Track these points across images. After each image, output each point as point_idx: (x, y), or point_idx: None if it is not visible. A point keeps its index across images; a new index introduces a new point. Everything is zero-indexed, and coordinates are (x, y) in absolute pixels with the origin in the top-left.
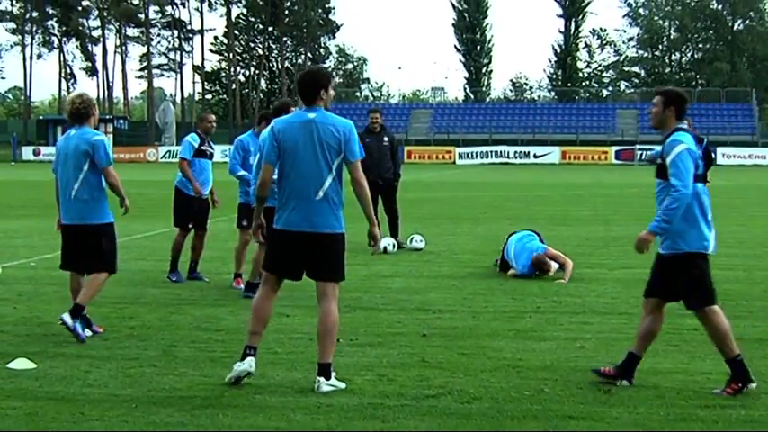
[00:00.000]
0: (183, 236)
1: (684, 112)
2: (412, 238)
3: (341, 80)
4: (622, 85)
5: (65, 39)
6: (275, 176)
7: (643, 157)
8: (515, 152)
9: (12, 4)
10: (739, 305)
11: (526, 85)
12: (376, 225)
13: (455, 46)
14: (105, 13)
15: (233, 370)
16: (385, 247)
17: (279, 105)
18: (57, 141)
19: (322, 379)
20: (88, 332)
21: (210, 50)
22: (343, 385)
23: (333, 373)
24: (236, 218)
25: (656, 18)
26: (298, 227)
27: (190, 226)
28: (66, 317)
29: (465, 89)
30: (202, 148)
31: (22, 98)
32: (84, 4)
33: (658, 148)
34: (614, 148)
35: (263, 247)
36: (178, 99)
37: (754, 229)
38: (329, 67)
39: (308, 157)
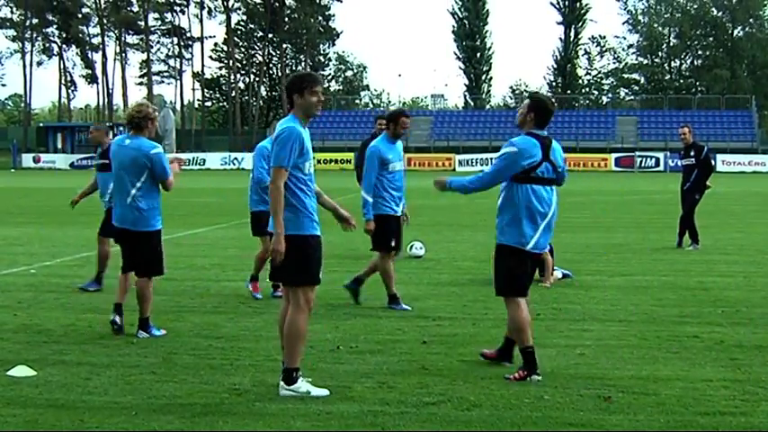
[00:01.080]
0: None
1: (546, 121)
2: (412, 246)
3: (341, 87)
4: (622, 92)
5: (65, 46)
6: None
7: None
8: None
9: (12, 12)
10: (739, 312)
11: (526, 92)
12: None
13: (455, 53)
14: (105, 21)
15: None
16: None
17: (394, 112)
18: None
19: (282, 383)
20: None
21: (210, 57)
22: (305, 389)
23: (301, 378)
24: (251, 227)
25: (655, 25)
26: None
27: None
28: (141, 333)
29: (465, 96)
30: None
31: (22, 105)
32: (84, 11)
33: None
34: (614, 155)
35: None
36: (178, 106)
37: (754, 235)
38: (329, 74)
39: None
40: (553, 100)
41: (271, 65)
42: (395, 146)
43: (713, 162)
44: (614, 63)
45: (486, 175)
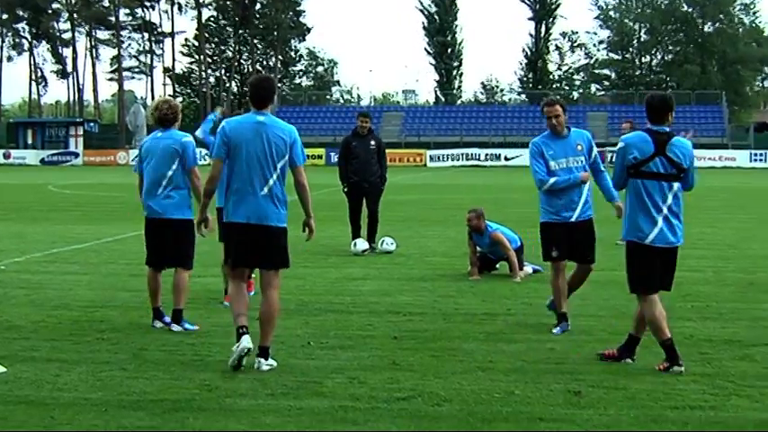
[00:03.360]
0: None
1: (658, 116)
2: (383, 241)
3: (311, 83)
4: (593, 87)
5: (35, 41)
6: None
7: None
8: (486, 154)
9: None
10: (709, 306)
11: (497, 87)
12: (313, 218)
13: (425, 49)
14: (76, 16)
15: (233, 353)
16: (364, 249)
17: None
18: (143, 142)
19: (262, 360)
20: (158, 323)
21: (181, 53)
22: (274, 363)
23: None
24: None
25: (626, 20)
26: (246, 219)
27: None
28: (174, 326)
29: (436, 92)
30: None
31: None
32: (54, 6)
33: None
34: None
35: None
36: (149, 102)
37: (724, 230)
38: (299, 70)
39: (256, 155)
40: (669, 95)
41: (241, 60)
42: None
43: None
44: (585, 59)
45: (612, 176)
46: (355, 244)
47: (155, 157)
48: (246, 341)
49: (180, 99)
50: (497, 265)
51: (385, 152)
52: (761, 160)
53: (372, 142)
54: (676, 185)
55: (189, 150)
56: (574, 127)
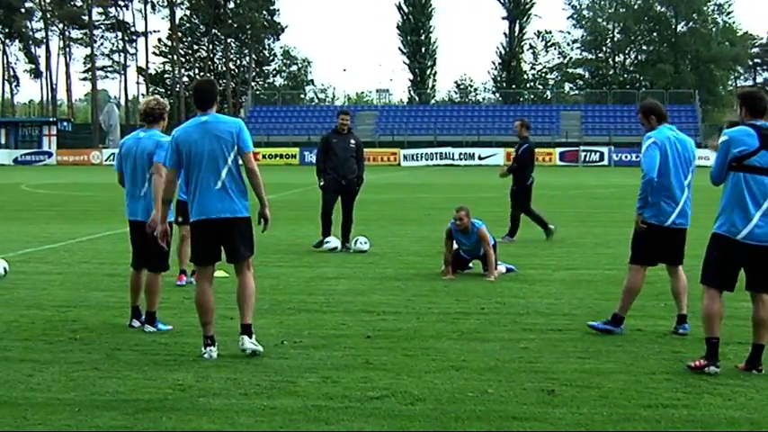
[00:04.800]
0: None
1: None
2: (356, 240)
3: (286, 82)
4: (566, 86)
5: (8, 41)
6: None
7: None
8: (460, 154)
9: None
10: None
11: (471, 86)
12: (267, 207)
13: (400, 48)
14: (49, 15)
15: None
16: (335, 247)
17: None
18: (123, 141)
19: (245, 337)
20: (136, 323)
21: (154, 53)
22: (261, 348)
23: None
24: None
25: (600, 20)
26: (205, 215)
27: None
28: (148, 327)
29: (410, 91)
30: None
31: None
32: (27, 5)
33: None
34: (558, 150)
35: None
36: (122, 101)
37: (698, 229)
38: (274, 69)
39: (206, 153)
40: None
41: (215, 59)
42: None
43: (530, 158)
44: (559, 58)
45: (712, 170)
46: (329, 241)
47: (134, 160)
48: (212, 353)
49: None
50: (470, 264)
51: (363, 151)
52: None
53: (352, 141)
54: None
55: (162, 149)
56: (548, 126)
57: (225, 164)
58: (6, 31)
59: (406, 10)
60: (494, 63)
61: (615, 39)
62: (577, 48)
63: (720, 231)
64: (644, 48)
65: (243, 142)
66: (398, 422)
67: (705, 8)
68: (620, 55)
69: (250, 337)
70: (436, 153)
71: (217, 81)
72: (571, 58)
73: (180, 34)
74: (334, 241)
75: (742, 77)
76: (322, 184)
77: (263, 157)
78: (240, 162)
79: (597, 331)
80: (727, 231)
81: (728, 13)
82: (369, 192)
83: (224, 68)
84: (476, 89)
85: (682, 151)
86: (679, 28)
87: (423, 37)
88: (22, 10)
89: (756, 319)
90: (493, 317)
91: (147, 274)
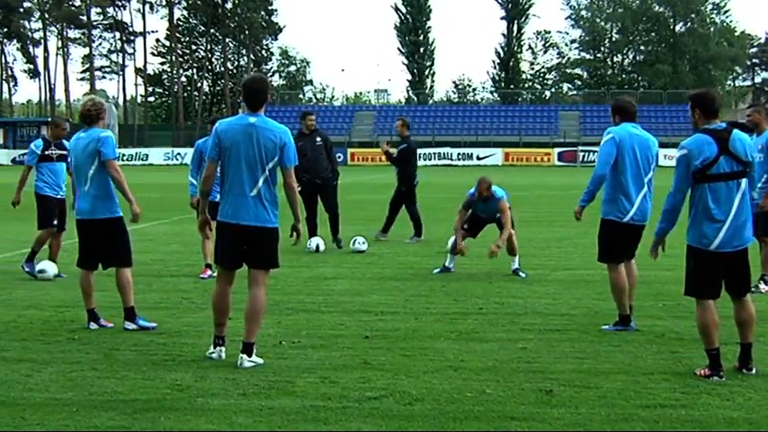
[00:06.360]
0: (48, 233)
1: (713, 110)
2: (354, 240)
3: (284, 82)
4: (565, 86)
5: (6, 40)
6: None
7: None
8: (458, 154)
9: None
10: (680, 305)
11: (469, 86)
12: (300, 222)
13: (398, 48)
14: (47, 15)
15: (209, 353)
16: (317, 246)
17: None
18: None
19: (244, 356)
20: (94, 325)
21: (152, 53)
22: (261, 361)
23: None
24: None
25: (598, 20)
26: (236, 220)
27: (54, 223)
28: (129, 325)
29: (408, 91)
30: (46, 152)
31: None
32: (25, 5)
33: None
34: (557, 150)
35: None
36: (120, 101)
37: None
38: (272, 69)
39: (246, 157)
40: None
41: (213, 60)
42: None
43: (408, 159)
44: (557, 58)
45: (672, 189)
46: (310, 242)
47: (76, 158)
48: (221, 353)
49: (152, 99)
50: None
51: (332, 147)
52: None
53: (318, 139)
54: (744, 183)
55: (106, 144)
56: (546, 126)
57: (263, 172)
58: (4, 30)
59: (403, 10)
60: (492, 63)
61: (613, 39)
62: (576, 48)
63: (693, 244)
64: (642, 48)
65: (286, 157)
66: (396, 422)
67: (703, 8)
68: (619, 55)
69: (249, 356)
70: (434, 153)
71: (215, 81)
72: (569, 58)
73: (178, 34)
74: (314, 241)
75: (740, 78)
76: (299, 189)
77: None
78: (277, 171)
79: (614, 332)
80: (699, 243)
81: (726, 13)
82: (366, 192)
83: (222, 68)
84: (474, 89)
85: (642, 150)
86: (677, 28)
87: (421, 37)
88: (21, 10)
89: (739, 320)
90: (491, 317)
91: (117, 270)
